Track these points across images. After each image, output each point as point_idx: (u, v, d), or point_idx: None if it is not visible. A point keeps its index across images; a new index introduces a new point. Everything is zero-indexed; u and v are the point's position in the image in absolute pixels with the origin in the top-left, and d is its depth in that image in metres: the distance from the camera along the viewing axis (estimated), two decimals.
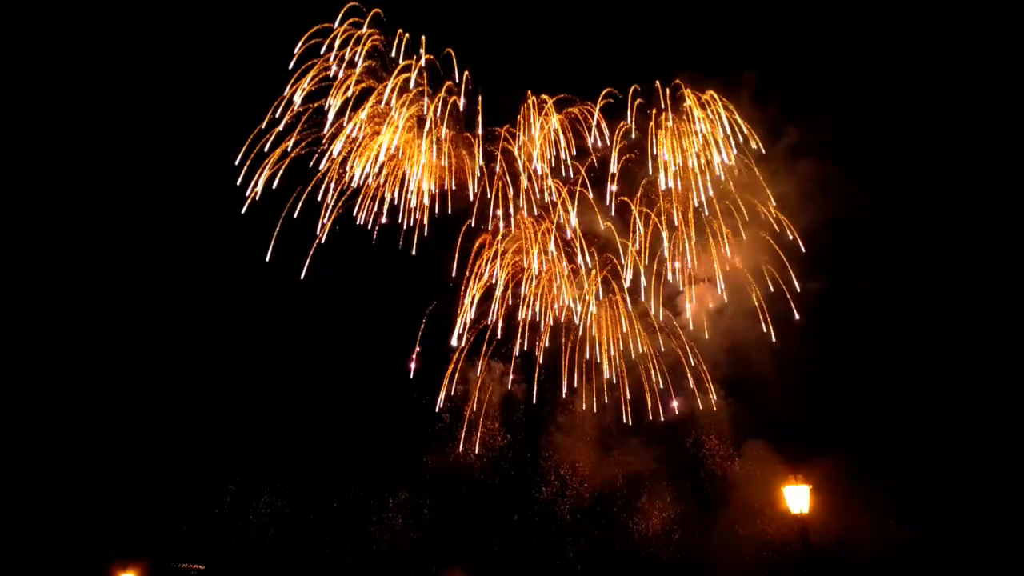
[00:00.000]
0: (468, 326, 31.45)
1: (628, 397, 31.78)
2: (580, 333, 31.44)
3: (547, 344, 31.46)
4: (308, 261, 29.47)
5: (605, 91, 30.52)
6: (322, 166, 29.40)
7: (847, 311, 32.06)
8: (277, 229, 29.05)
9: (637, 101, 30.46)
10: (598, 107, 30.38)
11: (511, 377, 32.76)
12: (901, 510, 30.09)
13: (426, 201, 29.74)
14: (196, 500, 32.54)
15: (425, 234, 29.82)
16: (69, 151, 35.15)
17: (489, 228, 31.25)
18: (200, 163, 33.74)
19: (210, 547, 32.48)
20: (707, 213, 30.46)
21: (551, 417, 33.73)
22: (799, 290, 29.95)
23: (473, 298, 31.06)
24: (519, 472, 34.09)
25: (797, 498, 23.66)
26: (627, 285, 31.04)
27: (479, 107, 29.82)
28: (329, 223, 29.47)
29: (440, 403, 32.18)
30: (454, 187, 30.24)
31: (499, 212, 30.54)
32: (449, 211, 30.38)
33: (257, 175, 28.79)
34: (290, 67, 28.67)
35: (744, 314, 31.23)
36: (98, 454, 32.36)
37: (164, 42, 36.16)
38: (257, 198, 28.76)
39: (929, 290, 33.01)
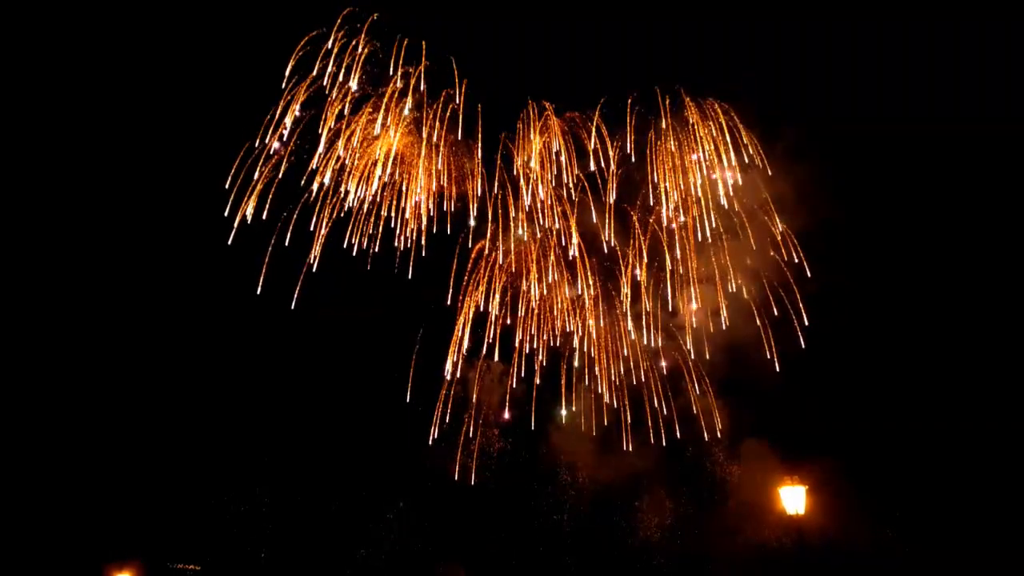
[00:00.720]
0: (461, 355, 31.00)
1: (629, 421, 31.73)
2: (578, 358, 31.34)
3: (544, 364, 31.17)
4: (299, 288, 28.40)
5: (603, 99, 29.96)
6: (313, 188, 28.23)
7: (845, 311, 32.16)
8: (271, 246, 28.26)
9: (636, 108, 30.17)
10: (597, 113, 29.85)
11: (508, 404, 32.54)
12: (898, 511, 30.31)
13: (424, 220, 28.92)
14: (193, 500, 32.52)
15: (423, 254, 29.03)
16: (52, 169, 34.58)
17: (487, 246, 30.59)
18: (185, 188, 33.06)
19: (206, 547, 32.54)
20: (710, 241, 30.13)
21: (549, 418, 33.81)
22: (807, 323, 29.67)
23: (467, 322, 30.60)
24: (518, 478, 34.21)
25: (793, 499, 23.93)
26: (627, 299, 30.85)
27: (479, 117, 28.97)
28: (320, 248, 28.32)
29: (434, 433, 31.54)
30: (452, 201, 29.63)
31: (498, 228, 29.84)
32: (448, 230, 29.72)
33: (245, 200, 27.67)
34: (283, 86, 27.63)
35: (744, 315, 31.22)
36: (94, 454, 32.46)
37: (151, 53, 35.18)
38: (249, 221, 27.78)
39: (929, 291, 33.12)
